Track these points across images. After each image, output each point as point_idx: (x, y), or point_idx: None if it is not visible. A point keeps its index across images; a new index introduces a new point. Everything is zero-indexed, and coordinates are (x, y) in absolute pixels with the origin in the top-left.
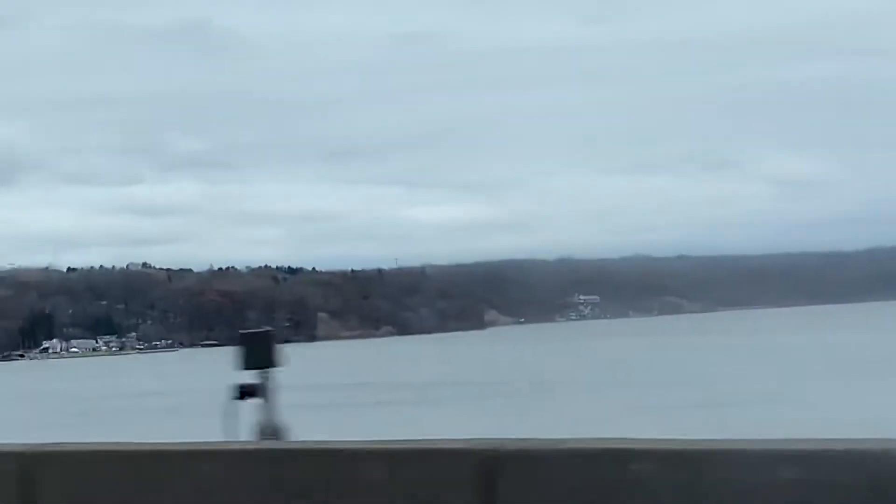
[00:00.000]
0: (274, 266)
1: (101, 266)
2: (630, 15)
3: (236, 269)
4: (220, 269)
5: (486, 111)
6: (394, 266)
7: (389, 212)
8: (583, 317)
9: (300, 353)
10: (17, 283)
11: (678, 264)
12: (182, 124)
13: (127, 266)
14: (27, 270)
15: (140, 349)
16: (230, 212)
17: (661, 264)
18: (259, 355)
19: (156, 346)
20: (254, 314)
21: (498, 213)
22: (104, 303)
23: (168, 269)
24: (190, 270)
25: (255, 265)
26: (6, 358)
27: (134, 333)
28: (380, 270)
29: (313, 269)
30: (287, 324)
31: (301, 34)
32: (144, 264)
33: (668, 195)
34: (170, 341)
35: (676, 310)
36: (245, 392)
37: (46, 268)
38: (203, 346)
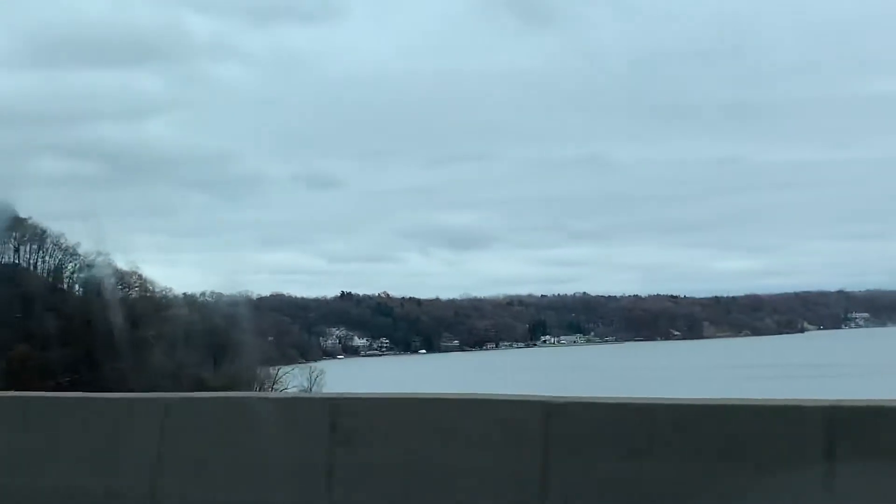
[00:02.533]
0: (662, 294)
1: (556, 294)
2: (858, 142)
3: (639, 296)
4: (636, 295)
5: (759, 204)
6: (722, 295)
7: (703, 263)
8: (858, 326)
9: (706, 347)
10: (519, 303)
11: None
12: (578, 213)
13: (573, 294)
14: (508, 296)
15: (596, 342)
16: (608, 264)
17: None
18: None
19: (606, 341)
20: (665, 323)
21: (778, 263)
22: (573, 314)
23: (602, 296)
24: (615, 297)
25: (651, 293)
26: (527, 346)
27: (592, 332)
28: (717, 298)
29: (681, 295)
30: (678, 332)
31: (653, 160)
32: (584, 293)
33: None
34: (613, 338)
35: None
36: None
37: (529, 294)
38: (635, 341)
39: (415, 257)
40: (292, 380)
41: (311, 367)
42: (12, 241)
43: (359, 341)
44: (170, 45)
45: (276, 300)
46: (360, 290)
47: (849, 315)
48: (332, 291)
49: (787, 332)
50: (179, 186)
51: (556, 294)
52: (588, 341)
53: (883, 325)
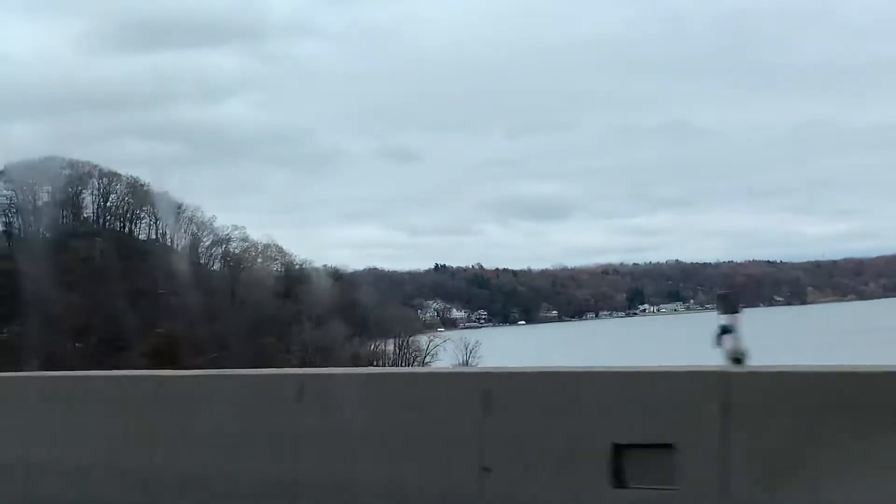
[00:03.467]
0: (758, 259)
1: (649, 262)
2: None
3: (735, 262)
4: (731, 261)
5: (849, 167)
6: (821, 259)
7: (794, 227)
8: None
9: (822, 312)
10: (615, 272)
11: None
12: (663, 180)
13: (666, 261)
14: (601, 265)
15: (697, 310)
16: (696, 230)
17: None
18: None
19: (707, 308)
20: (767, 288)
21: (872, 226)
22: (670, 281)
23: (697, 262)
24: (710, 263)
25: (745, 259)
26: (626, 315)
27: (692, 300)
28: (818, 263)
29: (778, 260)
30: (781, 298)
31: (738, 124)
32: (677, 261)
33: None
34: (713, 305)
35: None
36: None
37: (621, 263)
38: None
39: (497, 229)
40: (443, 353)
41: (464, 339)
42: (149, 214)
43: (457, 314)
44: (249, 25)
45: (370, 274)
46: (446, 263)
47: None
48: (415, 265)
49: (894, 296)
50: (262, 164)
51: (649, 262)
52: (688, 309)
53: None
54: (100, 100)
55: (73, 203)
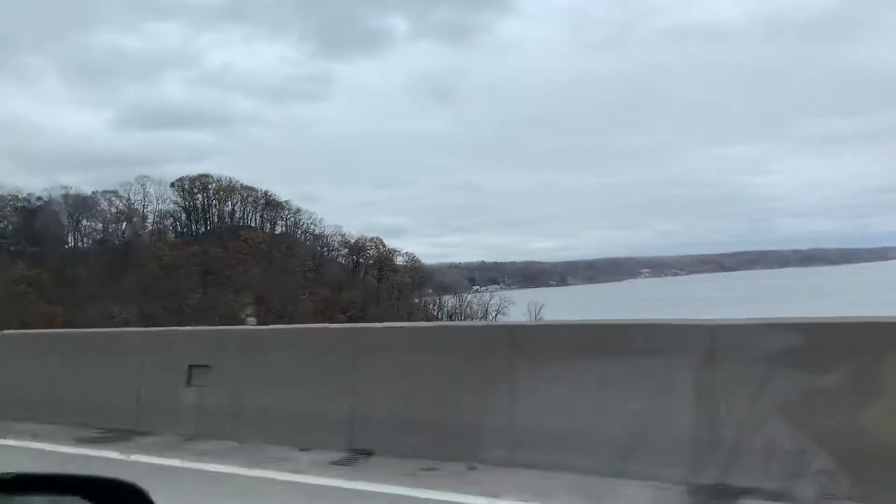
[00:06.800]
0: (519, 261)
1: (461, 262)
2: (613, 175)
3: (507, 262)
4: (514, 262)
5: (562, 209)
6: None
7: (529, 244)
8: (645, 277)
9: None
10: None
11: None
12: (456, 216)
13: (467, 261)
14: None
15: (507, 289)
16: (474, 245)
17: None
18: None
19: (512, 287)
20: (543, 275)
21: (576, 242)
22: (487, 272)
23: (491, 261)
24: (497, 262)
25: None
26: (476, 292)
27: (502, 282)
28: (567, 262)
29: (540, 260)
30: (553, 282)
31: (505, 184)
32: (482, 261)
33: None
34: (516, 286)
35: None
36: None
37: (450, 263)
38: (533, 288)
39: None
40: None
41: (533, 300)
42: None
43: None
44: (223, 116)
45: None
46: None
47: (637, 271)
48: None
49: (619, 280)
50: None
51: (461, 262)
52: (503, 288)
53: (659, 276)
54: (122, 160)
55: None
